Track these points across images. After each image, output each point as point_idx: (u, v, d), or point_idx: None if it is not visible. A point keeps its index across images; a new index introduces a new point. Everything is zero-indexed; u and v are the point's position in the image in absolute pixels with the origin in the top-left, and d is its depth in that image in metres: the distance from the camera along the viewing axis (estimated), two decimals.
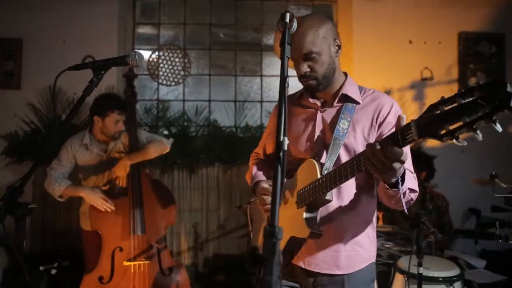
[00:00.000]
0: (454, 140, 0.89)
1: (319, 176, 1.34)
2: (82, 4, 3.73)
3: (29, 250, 3.44)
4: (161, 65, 3.95)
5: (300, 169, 1.47)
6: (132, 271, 2.39)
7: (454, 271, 2.37)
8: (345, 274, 1.44)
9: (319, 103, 1.50)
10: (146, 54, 3.92)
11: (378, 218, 3.19)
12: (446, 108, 0.90)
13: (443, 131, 0.90)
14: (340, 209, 1.43)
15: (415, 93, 3.82)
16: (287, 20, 1.14)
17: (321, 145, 1.46)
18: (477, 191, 3.33)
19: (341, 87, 1.47)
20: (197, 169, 3.72)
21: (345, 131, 1.40)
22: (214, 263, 3.68)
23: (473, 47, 3.91)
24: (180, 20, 4.07)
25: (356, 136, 1.42)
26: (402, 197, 1.19)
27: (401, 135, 1.01)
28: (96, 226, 2.43)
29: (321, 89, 1.45)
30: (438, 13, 3.89)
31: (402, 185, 1.17)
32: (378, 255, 2.78)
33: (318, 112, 1.49)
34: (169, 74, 3.96)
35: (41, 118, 3.63)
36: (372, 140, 1.42)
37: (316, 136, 1.47)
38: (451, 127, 0.89)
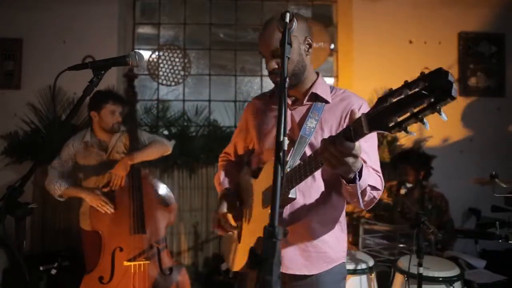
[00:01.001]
0: (403, 132, 0.89)
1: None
2: (82, 4, 3.73)
3: (29, 250, 3.44)
4: (161, 65, 3.95)
5: (264, 168, 1.46)
6: (132, 271, 2.39)
7: (454, 271, 2.37)
8: (313, 275, 1.43)
9: (289, 101, 1.50)
10: (146, 54, 3.92)
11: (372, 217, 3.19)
12: (394, 100, 0.90)
13: (392, 123, 0.90)
14: (307, 208, 1.42)
15: None
16: (287, 20, 1.14)
17: (289, 143, 1.45)
18: (477, 191, 3.33)
19: (311, 86, 1.47)
20: (197, 169, 3.72)
21: (312, 130, 1.40)
22: (214, 263, 3.68)
23: (473, 47, 3.91)
24: (180, 20, 4.07)
25: (323, 135, 1.41)
26: (358, 191, 1.18)
27: (353, 129, 1.01)
28: (96, 226, 2.43)
29: (290, 87, 1.44)
30: (438, 13, 3.89)
31: (359, 180, 1.17)
32: (378, 255, 2.79)
33: (288, 110, 1.48)
34: (169, 74, 3.96)
35: (41, 118, 3.63)
36: None
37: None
38: (399, 119, 0.89)
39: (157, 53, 3.96)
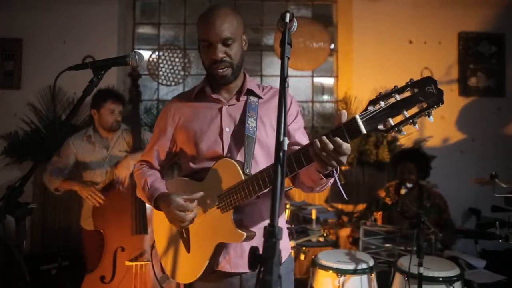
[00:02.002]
0: (397, 133, 1.00)
1: (242, 176, 1.31)
2: (82, 4, 3.73)
3: (29, 250, 3.45)
4: (161, 65, 3.95)
5: (213, 170, 1.39)
6: (133, 271, 2.39)
7: (454, 271, 2.37)
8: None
9: (222, 99, 1.46)
10: (146, 54, 3.92)
11: (376, 218, 3.19)
12: (386, 104, 1.00)
13: (387, 125, 1.00)
14: (257, 203, 1.40)
15: None
16: (287, 20, 1.14)
17: (233, 142, 1.41)
18: (477, 191, 3.33)
19: (243, 83, 1.48)
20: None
21: (255, 128, 1.40)
22: None
23: (473, 47, 3.91)
24: (180, 20, 4.07)
25: (266, 130, 1.42)
26: (337, 182, 1.21)
27: (347, 130, 1.05)
28: (99, 225, 2.43)
29: (232, 80, 1.43)
30: (438, 13, 3.89)
31: (337, 173, 1.20)
32: (378, 257, 2.79)
33: (224, 106, 1.45)
34: (169, 74, 3.96)
35: (41, 118, 3.63)
36: None
37: (224, 132, 1.42)
38: (394, 121, 1.00)
39: (157, 53, 3.96)
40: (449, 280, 2.31)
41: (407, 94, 0.98)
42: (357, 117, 1.02)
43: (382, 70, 3.76)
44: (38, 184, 3.41)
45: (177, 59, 3.96)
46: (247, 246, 1.38)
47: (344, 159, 1.08)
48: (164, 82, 3.96)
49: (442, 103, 0.94)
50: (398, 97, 0.98)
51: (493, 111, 3.88)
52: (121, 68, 3.42)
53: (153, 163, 1.60)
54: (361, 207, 3.69)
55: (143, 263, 2.41)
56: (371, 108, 1.01)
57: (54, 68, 1.71)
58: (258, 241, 1.36)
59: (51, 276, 3.04)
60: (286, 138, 0.91)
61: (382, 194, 3.27)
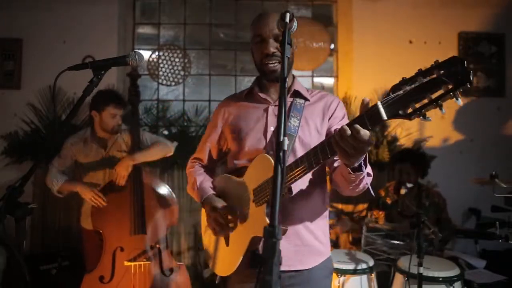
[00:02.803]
0: (421, 118, 0.93)
1: None
2: (82, 4, 3.73)
3: (29, 250, 3.44)
4: (161, 65, 3.95)
5: (251, 166, 1.43)
6: (132, 271, 2.39)
7: (454, 271, 2.37)
8: (306, 269, 1.43)
9: (270, 99, 1.51)
10: (146, 54, 3.92)
11: (377, 218, 3.19)
12: (409, 88, 0.94)
13: (410, 110, 0.94)
14: (296, 203, 1.42)
15: None
16: (287, 20, 1.14)
17: (275, 139, 1.42)
18: (477, 191, 3.33)
19: (292, 85, 1.52)
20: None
21: (297, 128, 1.42)
22: None
23: (473, 47, 3.91)
24: (180, 20, 4.07)
25: (310, 130, 1.45)
26: (362, 179, 1.20)
27: (368, 117, 1.01)
28: (98, 225, 2.43)
29: (274, 81, 1.47)
30: (438, 13, 3.89)
31: (365, 168, 1.18)
32: (380, 254, 2.79)
33: (270, 107, 1.50)
34: (169, 74, 3.96)
35: (41, 118, 3.63)
36: (323, 133, 1.47)
37: (268, 131, 1.47)
38: (417, 105, 0.93)
39: (157, 53, 3.96)
40: (449, 280, 2.31)
41: (431, 76, 0.91)
42: (379, 103, 0.99)
43: (382, 70, 3.75)
44: (38, 184, 3.41)
45: (177, 59, 3.96)
46: (282, 242, 1.37)
47: (364, 146, 1.05)
48: (164, 82, 3.96)
49: (470, 83, 0.86)
50: (422, 80, 0.92)
51: (493, 111, 3.88)
52: (121, 68, 3.42)
53: (203, 159, 1.69)
54: (361, 207, 3.70)
55: (142, 263, 2.40)
56: (394, 93, 0.97)
57: (54, 68, 1.71)
58: (288, 235, 1.39)
59: (51, 276, 3.04)
60: (286, 138, 0.91)
61: (382, 193, 3.27)
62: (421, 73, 0.93)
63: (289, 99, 1.49)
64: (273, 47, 1.41)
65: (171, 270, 2.48)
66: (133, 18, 4.04)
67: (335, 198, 3.71)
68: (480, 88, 3.91)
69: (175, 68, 3.96)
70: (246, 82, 4.12)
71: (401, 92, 0.95)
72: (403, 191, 3.02)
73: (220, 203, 1.49)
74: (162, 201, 2.56)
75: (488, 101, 3.88)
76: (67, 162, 2.58)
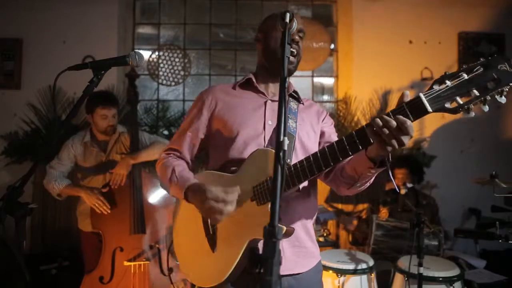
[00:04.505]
0: (464, 113, 0.95)
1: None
2: (82, 4, 3.73)
3: (29, 250, 3.44)
4: (161, 65, 3.95)
5: (249, 160, 1.30)
6: (132, 271, 2.39)
7: (454, 271, 2.37)
8: (302, 273, 1.38)
9: (267, 93, 1.48)
10: (146, 54, 3.92)
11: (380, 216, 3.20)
12: (452, 83, 0.95)
13: (454, 104, 0.95)
14: (295, 205, 1.37)
15: (415, 93, 3.75)
16: (287, 20, 1.14)
17: (275, 135, 1.34)
18: (477, 191, 3.33)
19: (290, 85, 1.50)
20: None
21: (295, 128, 1.40)
22: None
23: (473, 47, 3.91)
24: (180, 20, 4.07)
25: (307, 132, 1.44)
26: (389, 172, 1.14)
27: (410, 109, 1.00)
28: (97, 226, 2.43)
29: (292, 71, 1.45)
30: (438, 13, 3.89)
31: (389, 162, 1.14)
32: (378, 255, 2.79)
33: (268, 101, 1.45)
34: (169, 74, 3.96)
35: (41, 118, 3.63)
36: (319, 134, 1.47)
37: (267, 125, 1.40)
38: (462, 100, 0.94)
39: (157, 53, 3.96)
40: (449, 280, 2.31)
41: (476, 73, 0.94)
42: (421, 95, 0.97)
43: (382, 70, 3.75)
44: (38, 184, 3.41)
45: (177, 59, 3.96)
46: (284, 243, 1.33)
47: (406, 139, 1.01)
48: (164, 82, 3.96)
49: None
50: (466, 76, 0.94)
51: (493, 110, 3.87)
52: (120, 68, 3.42)
53: (182, 150, 1.48)
54: (361, 207, 3.70)
55: (142, 263, 2.40)
56: (436, 87, 0.96)
57: (54, 68, 1.71)
58: (288, 239, 1.32)
59: (51, 276, 3.04)
60: (286, 138, 0.90)
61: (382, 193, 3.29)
62: (465, 69, 0.96)
63: (286, 98, 1.47)
64: (292, 46, 1.37)
65: (171, 270, 2.48)
66: (133, 18, 4.03)
67: (335, 198, 3.71)
68: None
69: (175, 68, 3.96)
70: None
71: (444, 86, 0.95)
72: (403, 191, 3.03)
73: (215, 187, 1.21)
74: (162, 200, 2.56)
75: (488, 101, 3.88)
76: (66, 165, 2.56)
